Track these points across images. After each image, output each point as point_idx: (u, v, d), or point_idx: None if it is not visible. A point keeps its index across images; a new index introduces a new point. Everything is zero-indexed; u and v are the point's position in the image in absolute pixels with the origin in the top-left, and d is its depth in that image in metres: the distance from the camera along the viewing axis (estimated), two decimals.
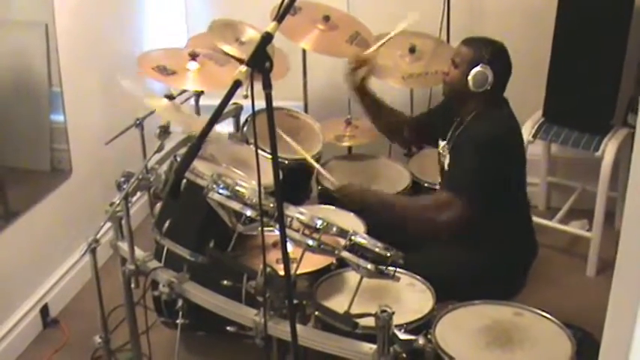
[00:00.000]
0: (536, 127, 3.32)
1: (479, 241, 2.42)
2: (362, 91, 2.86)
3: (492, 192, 2.35)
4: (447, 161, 2.54)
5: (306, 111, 3.47)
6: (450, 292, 2.23)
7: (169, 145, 2.79)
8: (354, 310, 1.95)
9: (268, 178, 1.63)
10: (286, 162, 2.86)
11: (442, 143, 2.59)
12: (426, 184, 3.00)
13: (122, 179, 2.33)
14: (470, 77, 2.38)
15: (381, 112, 2.91)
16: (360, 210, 2.53)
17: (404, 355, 1.84)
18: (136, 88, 2.62)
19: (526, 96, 3.34)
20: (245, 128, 3.09)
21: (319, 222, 1.95)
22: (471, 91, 2.40)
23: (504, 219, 2.45)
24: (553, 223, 3.41)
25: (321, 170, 2.77)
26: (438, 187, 2.68)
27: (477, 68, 2.37)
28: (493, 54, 2.39)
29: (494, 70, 2.37)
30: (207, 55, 2.85)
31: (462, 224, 2.36)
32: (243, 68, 1.44)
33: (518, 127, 2.56)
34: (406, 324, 1.99)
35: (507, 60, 2.44)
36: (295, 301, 2.03)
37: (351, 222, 2.55)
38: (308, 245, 1.96)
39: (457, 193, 2.35)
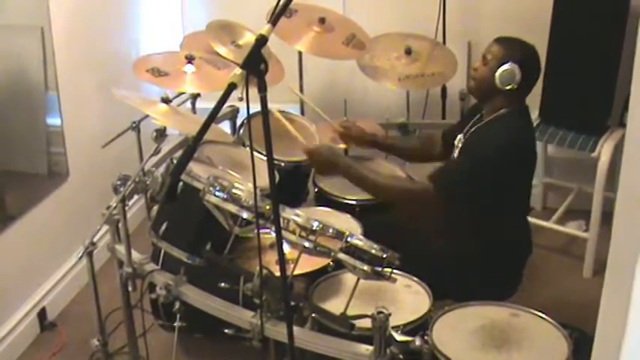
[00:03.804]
0: None
1: (475, 240, 2.41)
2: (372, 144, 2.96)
3: (484, 198, 2.36)
4: (455, 154, 2.53)
5: (302, 113, 3.47)
6: (447, 292, 2.23)
7: (166, 147, 2.79)
8: (351, 312, 1.95)
9: (264, 181, 1.63)
10: (282, 164, 2.87)
11: (459, 136, 2.57)
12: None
13: (119, 182, 2.34)
14: (498, 73, 2.37)
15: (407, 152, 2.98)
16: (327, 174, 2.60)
17: (401, 357, 1.84)
18: (130, 95, 2.63)
19: None
20: (241, 131, 3.09)
21: (315, 224, 1.96)
22: (497, 88, 2.39)
23: (501, 219, 2.44)
24: (550, 224, 3.41)
25: (292, 130, 2.79)
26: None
27: (506, 65, 2.36)
28: (524, 54, 2.39)
29: (523, 70, 2.36)
30: (204, 57, 2.86)
31: (431, 217, 2.43)
32: (238, 71, 1.45)
33: (533, 137, 2.56)
34: (403, 325, 1.99)
35: (537, 64, 2.44)
36: (292, 303, 2.03)
37: (348, 224, 2.55)
38: (304, 247, 1.96)
39: (438, 188, 2.36)
